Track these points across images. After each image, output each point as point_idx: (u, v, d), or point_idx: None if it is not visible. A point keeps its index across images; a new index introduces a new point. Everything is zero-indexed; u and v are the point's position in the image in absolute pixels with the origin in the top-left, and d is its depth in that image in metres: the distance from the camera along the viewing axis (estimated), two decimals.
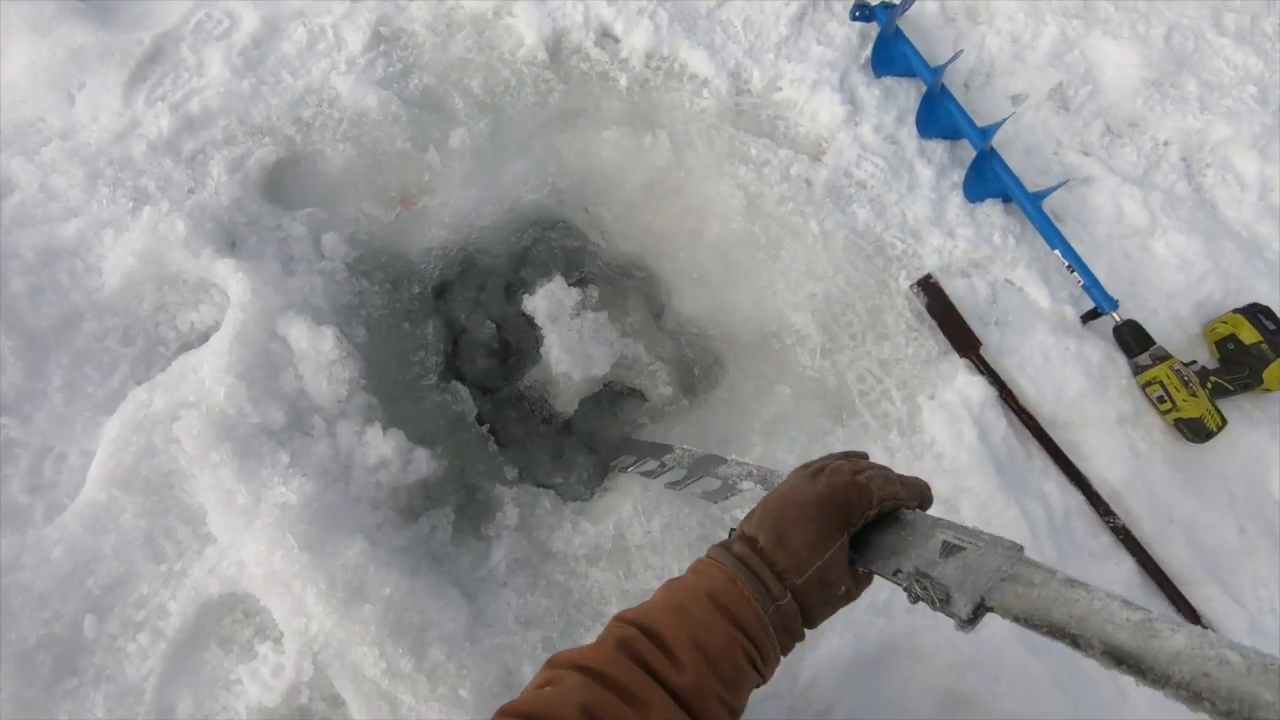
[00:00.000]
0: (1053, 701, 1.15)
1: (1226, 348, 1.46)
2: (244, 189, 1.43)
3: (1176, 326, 1.55)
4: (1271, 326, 1.43)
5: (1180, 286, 1.57)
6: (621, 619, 0.71)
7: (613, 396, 1.55)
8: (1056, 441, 1.38)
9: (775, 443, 1.41)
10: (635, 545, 1.30)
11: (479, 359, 1.49)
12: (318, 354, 1.27)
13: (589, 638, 1.21)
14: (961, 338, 1.46)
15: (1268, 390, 1.43)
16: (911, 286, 1.51)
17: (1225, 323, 1.47)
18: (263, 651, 1.11)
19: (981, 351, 1.46)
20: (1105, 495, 1.36)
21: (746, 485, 1.02)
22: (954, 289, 1.55)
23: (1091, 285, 1.49)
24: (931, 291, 1.49)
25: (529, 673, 1.18)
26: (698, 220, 1.63)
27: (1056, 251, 1.54)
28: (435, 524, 1.30)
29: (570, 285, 1.48)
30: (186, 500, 1.16)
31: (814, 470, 0.77)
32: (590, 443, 1.49)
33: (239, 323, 1.24)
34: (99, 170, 1.38)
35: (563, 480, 1.41)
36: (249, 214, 1.42)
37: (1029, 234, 1.62)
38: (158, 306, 1.31)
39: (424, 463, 1.29)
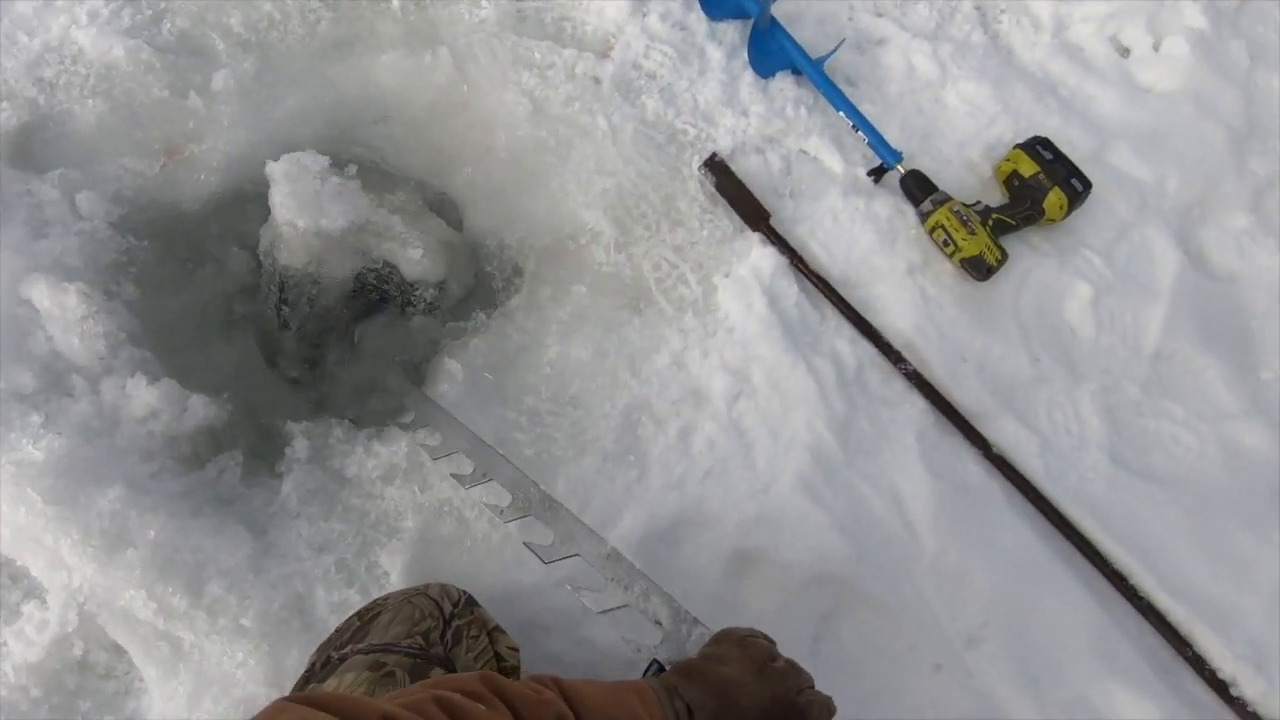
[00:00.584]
0: (833, 544, 1.17)
1: (1012, 184, 1.46)
2: None
3: (969, 172, 1.54)
4: (1049, 156, 1.43)
5: (971, 133, 1.57)
6: (538, 679, 0.67)
7: (401, 314, 1.49)
8: (847, 299, 1.38)
9: (571, 341, 1.39)
10: (431, 460, 1.29)
11: (266, 301, 1.44)
12: (64, 311, 1.22)
13: (384, 555, 1.22)
14: (751, 212, 1.45)
15: (1051, 221, 1.44)
16: (700, 169, 1.48)
17: (1008, 160, 1.47)
18: (28, 610, 1.09)
19: (773, 222, 1.45)
20: (898, 345, 1.37)
21: (612, 594, 0.97)
22: (747, 166, 1.53)
23: (875, 142, 1.47)
24: (719, 170, 1.47)
25: (321, 596, 1.17)
26: (485, 133, 1.58)
27: (841, 113, 1.52)
28: (223, 468, 1.28)
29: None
30: None
31: (760, 666, 0.76)
32: (384, 370, 1.45)
33: None
34: None
35: (358, 412, 1.38)
36: None
37: (822, 104, 1.60)
38: None
39: (200, 409, 1.26)
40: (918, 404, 1.33)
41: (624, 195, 1.51)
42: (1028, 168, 1.43)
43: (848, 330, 1.38)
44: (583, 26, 1.68)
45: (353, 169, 1.44)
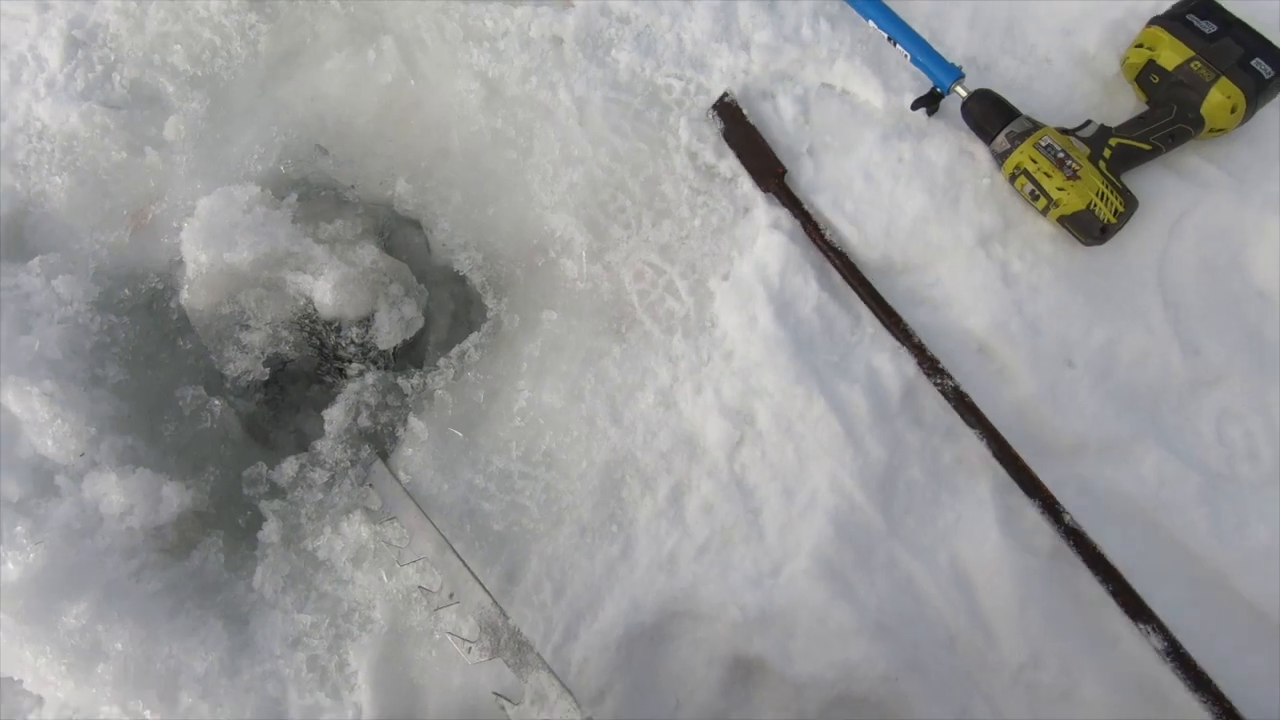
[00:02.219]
0: (865, 653, 0.86)
1: (1148, 82, 0.96)
2: None
3: (1082, 72, 1.04)
4: (1209, 29, 0.91)
5: (1081, 11, 1.05)
6: None
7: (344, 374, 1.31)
8: (878, 290, 1.00)
9: (542, 383, 1.16)
10: (397, 540, 1.14)
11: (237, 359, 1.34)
12: (33, 415, 1.21)
13: (354, 651, 1.11)
14: (762, 165, 1.10)
15: (1218, 131, 0.93)
16: (708, 113, 1.15)
17: (1140, 44, 0.96)
18: None
19: (787, 181, 1.09)
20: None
21: None
22: (756, 115, 1.16)
23: (921, 54, 1.04)
24: (729, 114, 1.14)
25: (294, 697, 1.09)
26: (439, 134, 1.35)
27: (870, 24, 1.08)
28: (206, 554, 1.23)
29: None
30: None
31: None
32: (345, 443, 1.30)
33: None
34: None
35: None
36: None
37: (849, 13, 1.16)
38: None
39: (175, 498, 1.21)
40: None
41: (596, 187, 1.21)
42: (1172, 54, 0.92)
43: (888, 338, 1.01)
44: None
45: (293, 197, 1.28)
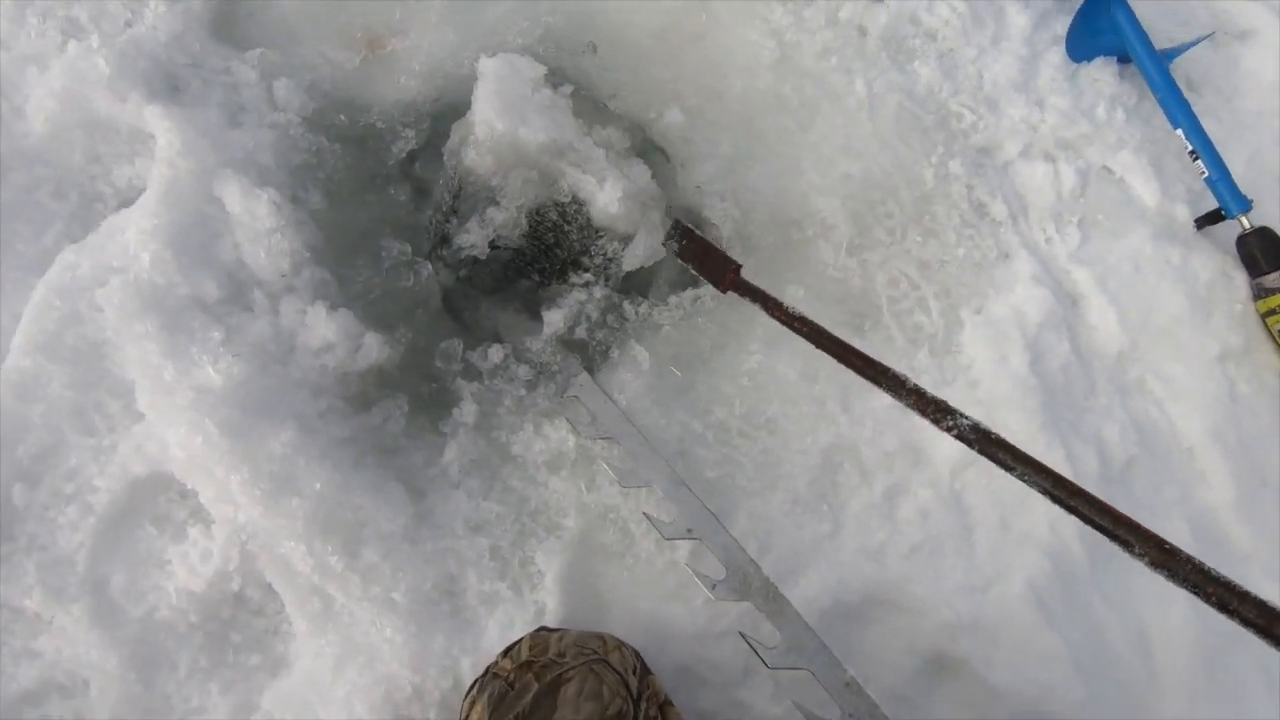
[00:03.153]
0: (1064, 680, 0.98)
1: None
2: (186, 24, 1.24)
3: None
4: None
5: None
6: None
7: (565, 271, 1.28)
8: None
9: (777, 353, 1.20)
10: (603, 457, 1.16)
11: (437, 208, 1.28)
12: (253, 220, 1.12)
13: (540, 553, 1.12)
14: (717, 268, 1.15)
15: None
16: (665, 243, 1.22)
17: None
18: (194, 535, 1.06)
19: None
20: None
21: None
22: (1030, 176, 1.24)
23: (1220, 178, 1.14)
24: (681, 234, 1.22)
25: (472, 583, 1.09)
26: (717, 76, 1.34)
27: (1179, 131, 1.18)
28: (388, 415, 1.19)
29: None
30: (117, 373, 1.09)
31: None
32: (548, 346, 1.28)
33: (166, 180, 1.10)
34: None
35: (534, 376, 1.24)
36: (191, 54, 1.24)
37: (1146, 108, 1.25)
38: (91, 158, 1.19)
39: (375, 348, 1.16)
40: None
41: (870, 185, 1.26)
42: None
43: (1118, 412, 1.12)
44: None
45: (568, 88, 1.24)
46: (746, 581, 0.95)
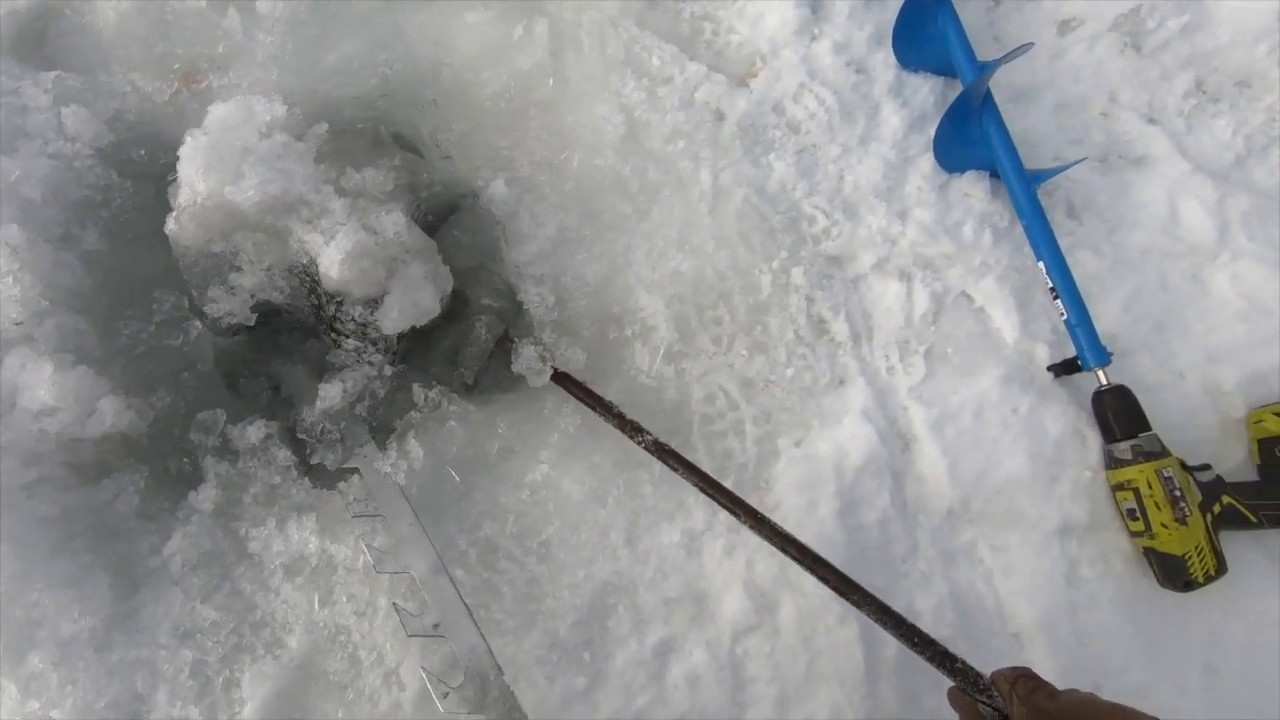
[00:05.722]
0: None
1: (1271, 454, 0.95)
2: None
3: (1210, 404, 1.03)
4: None
5: (1234, 344, 1.04)
6: None
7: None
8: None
9: (567, 465, 1.06)
10: (345, 566, 1.01)
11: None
12: None
13: (250, 671, 0.97)
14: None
15: None
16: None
17: (1274, 412, 0.95)
18: None
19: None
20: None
21: None
22: (881, 294, 1.10)
23: (1079, 323, 1.00)
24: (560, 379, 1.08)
25: (161, 700, 0.94)
26: (558, 148, 1.22)
27: (1041, 264, 1.04)
28: (120, 490, 1.05)
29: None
30: None
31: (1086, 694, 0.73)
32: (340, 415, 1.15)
33: None
34: None
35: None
36: None
37: (1018, 232, 1.11)
38: None
39: (111, 414, 1.03)
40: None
41: (701, 287, 1.12)
42: None
43: (940, 582, 0.96)
44: (727, 35, 1.26)
45: (322, 127, 1.09)
46: (484, 690, 0.80)
